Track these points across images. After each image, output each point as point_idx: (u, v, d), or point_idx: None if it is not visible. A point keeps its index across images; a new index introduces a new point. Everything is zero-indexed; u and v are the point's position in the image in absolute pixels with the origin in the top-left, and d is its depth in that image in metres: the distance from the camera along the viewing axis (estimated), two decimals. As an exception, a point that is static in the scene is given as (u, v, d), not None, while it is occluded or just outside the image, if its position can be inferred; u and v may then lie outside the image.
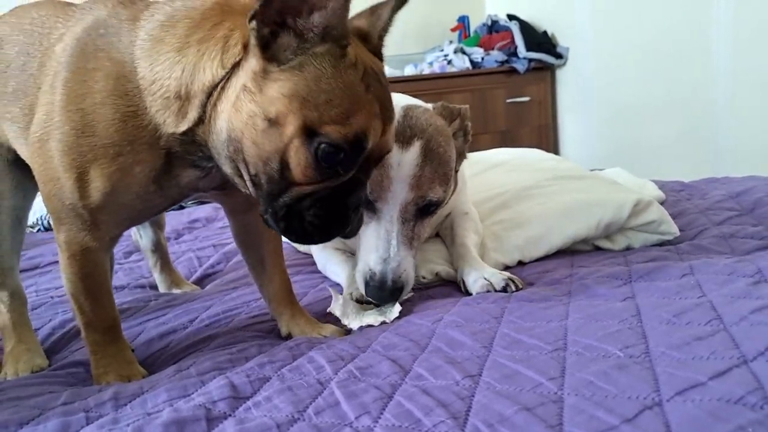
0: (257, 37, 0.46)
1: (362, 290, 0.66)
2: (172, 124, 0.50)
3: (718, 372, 0.40)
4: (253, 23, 0.45)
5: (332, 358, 0.52)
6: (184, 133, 0.50)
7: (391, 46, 0.56)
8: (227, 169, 0.51)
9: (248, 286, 0.89)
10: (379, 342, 0.54)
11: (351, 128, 0.46)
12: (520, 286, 0.66)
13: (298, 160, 0.47)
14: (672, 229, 0.84)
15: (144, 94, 0.50)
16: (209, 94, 0.49)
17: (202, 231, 1.35)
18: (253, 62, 0.47)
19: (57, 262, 1.21)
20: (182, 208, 1.75)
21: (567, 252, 0.84)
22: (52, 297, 0.94)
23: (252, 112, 0.47)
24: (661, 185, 1.25)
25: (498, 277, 0.67)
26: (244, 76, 0.47)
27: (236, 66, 0.48)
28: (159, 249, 0.95)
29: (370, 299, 0.66)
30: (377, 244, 0.64)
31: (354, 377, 0.47)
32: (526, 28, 2.49)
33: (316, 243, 0.54)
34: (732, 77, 1.89)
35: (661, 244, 0.83)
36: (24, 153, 0.62)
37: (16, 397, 0.54)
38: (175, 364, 0.58)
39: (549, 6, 2.56)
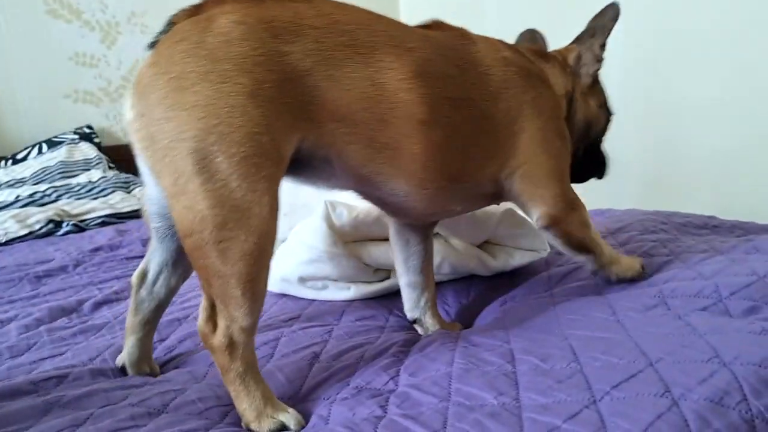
0: (593, 75, 0.82)
1: None
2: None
3: (572, 414, 0.48)
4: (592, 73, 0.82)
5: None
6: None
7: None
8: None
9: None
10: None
11: None
12: None
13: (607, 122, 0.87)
14: (544, 245, 0.95)
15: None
16: (570, 99, 0.80)
17: (105, 261, 1.28)
18: (586, 80, 0.82)
19: None
20: (83, 230, 1.66)
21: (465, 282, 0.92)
22: None
23: (594, 104, 0.83)
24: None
25: None
26: (579, 89, 0.81)
27: (574, 84, 0.81)
28: None
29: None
30: None
31: None
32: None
33: None
34: (622, 100, 2.08)
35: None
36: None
37: None
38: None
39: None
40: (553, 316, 0.68)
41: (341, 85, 0.57)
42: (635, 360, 0.55)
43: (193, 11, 0.56)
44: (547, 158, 0.70)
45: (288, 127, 0.55)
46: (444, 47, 0.66)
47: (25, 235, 1.57)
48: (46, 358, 0.77)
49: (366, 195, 0.69)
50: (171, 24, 0.57)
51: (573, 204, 0.73)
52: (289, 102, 0.54)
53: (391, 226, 0.80)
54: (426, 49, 0.63)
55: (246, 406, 0.56)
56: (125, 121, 0.56)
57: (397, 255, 0.80)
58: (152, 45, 0.57)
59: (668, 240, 0.97)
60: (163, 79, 0.52)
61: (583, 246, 0.75)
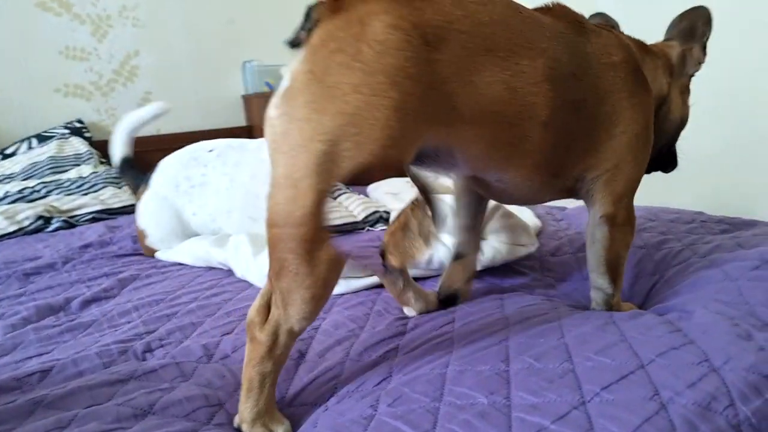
0: (692, 75, 0.84)
1: None
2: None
3: (560, 415, 0.47)
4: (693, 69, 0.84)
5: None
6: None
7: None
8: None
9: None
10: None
11: None
12: None
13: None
14: (532, 239, 0.95)
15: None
16: (666, 97, 0.81)
17: (95, 258, 1.27)
18: (684, 79, 0.83)
19: None
20: (73, 226, 1.65)
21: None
22: None
23: (687, 102, 0.84)
24: (546, 212, 1.38)
25: None
26: (677, 87, 0.82)
27: (673, 82, 0.82)
28: None
29: None
30: None
31: None
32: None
33: None
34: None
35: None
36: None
37: None
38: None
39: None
40: (554, 316, 0.68)
41: (477, 90, 0.56)
42: (627, 361, 0.54)
43: (333, 4, 0.53)
44: (633, 166, 0.71)
45: (419, 135, 0.54)
46: (567, 44, 0.65)
47: (14, 232, 1.55)
48: (33, 357, 0.77)
49: (473, 178, 0.71)
50: (309, 18, 0.54)
51: (631, 215, 0.75)
52: (427, 111, 0.54)
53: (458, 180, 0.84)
54: (555, 48, 0.63)
55: (250, 405, 0.55)
56: (266, 116, 0.54)
57: (460, 200, 0.85)
58: (293, 42, 0.54)
59: (655, 245, 0.97)
60: (316, 86, 0.51)
61: (615, 266, 0.74)
